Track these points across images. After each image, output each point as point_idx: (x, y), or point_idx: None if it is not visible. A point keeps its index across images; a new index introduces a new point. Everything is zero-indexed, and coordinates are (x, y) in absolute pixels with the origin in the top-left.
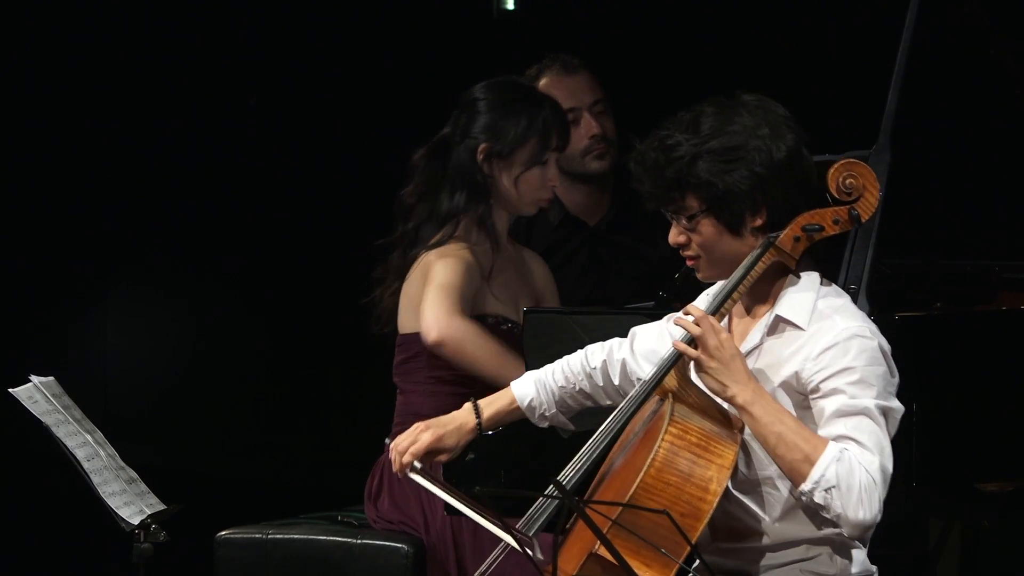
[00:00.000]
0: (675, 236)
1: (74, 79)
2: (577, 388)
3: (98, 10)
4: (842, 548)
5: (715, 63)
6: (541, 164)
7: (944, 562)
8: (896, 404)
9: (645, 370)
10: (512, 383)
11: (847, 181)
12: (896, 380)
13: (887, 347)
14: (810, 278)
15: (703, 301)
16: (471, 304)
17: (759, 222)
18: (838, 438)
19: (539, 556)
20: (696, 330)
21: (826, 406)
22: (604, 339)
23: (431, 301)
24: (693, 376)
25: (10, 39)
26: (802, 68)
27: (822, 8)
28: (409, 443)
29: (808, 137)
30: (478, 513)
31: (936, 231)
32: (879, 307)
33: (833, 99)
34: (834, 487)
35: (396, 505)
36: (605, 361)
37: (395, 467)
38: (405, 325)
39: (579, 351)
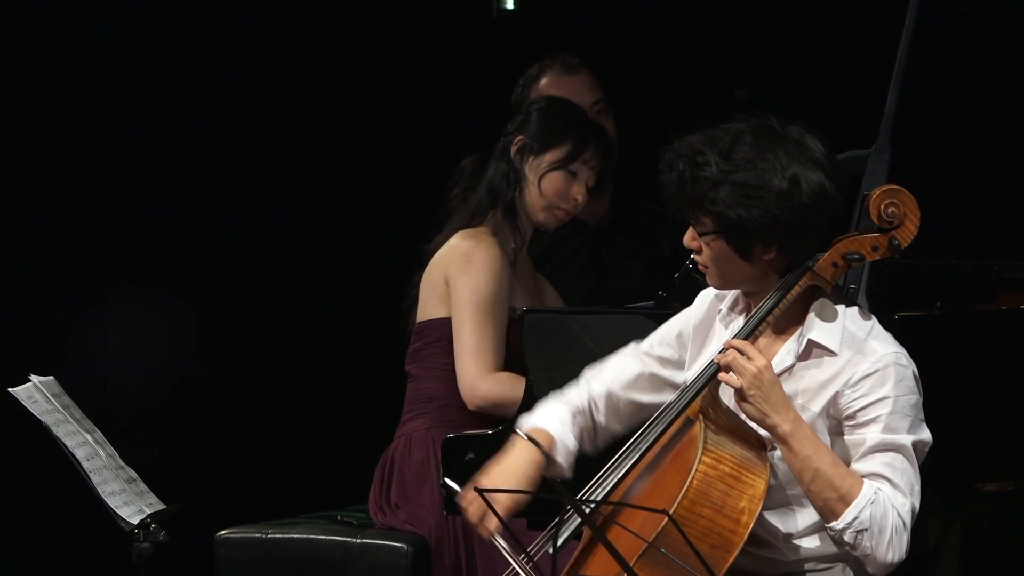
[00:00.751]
0: (689, 240)
1: (75, 79)
2: (590, 424)
3: (99, 10)
4: (858, 561)
5: (715, 63)
6: (569, 172)
7: (944, 562)
8: (927, 435)
9: (633, 396)
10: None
11: (889, 209)
12: (921, 404)
13: (916, 371)
14: (839, 302)
15: (703, 301)
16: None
17: (771, 256)
18: (872, 475)
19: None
20: (740, 359)
21: (862, 438)
22: (604, 339)
23: (465, 361)
24: (722, 394)
25: (11, 39)
26: (802, 68)
27: (822, 8)
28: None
29: (838, 170)
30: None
31: (936, 230)
32: (879, 307)
33: (833, 99)
34: (866, 530)
35: (405, 497)
36: (596, 398)
37: (480, 529)
38: (425, 312)
39: (572, 392)
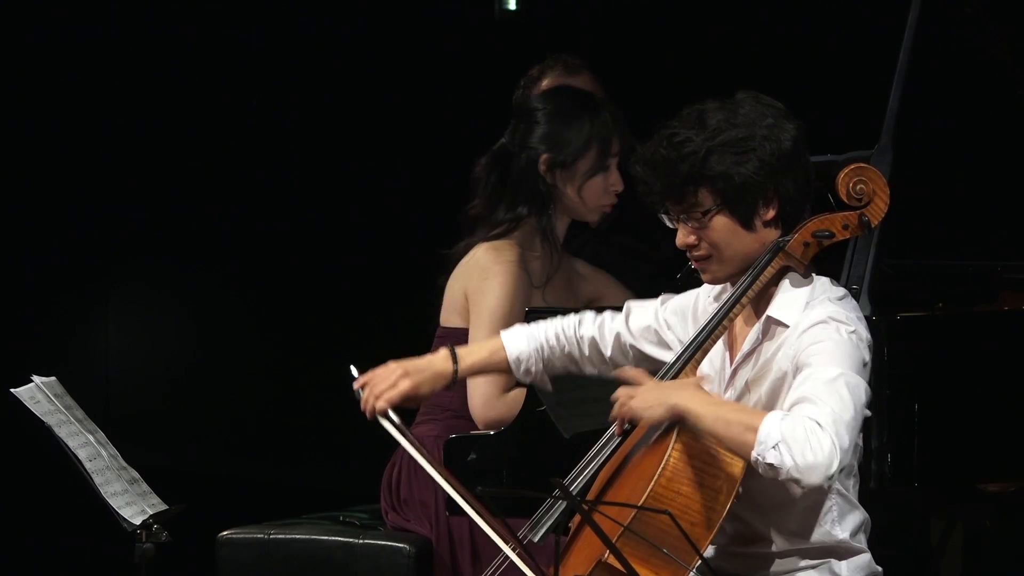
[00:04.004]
0: (683, 238)
1: (77, 80)
2: (567, 351)
3: (101, 10)
4: (848, 554)
5: (717, 63)
6: (604, 171)
7: (946, 563)
8: (864, 383)
9: (641, 345)
10: (503, 334)
11: (857, 187)
12: (868, 369)
13: (866, 336)
14: (808, 280)
15: (705, 302)
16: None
17: (771, 214)
18: (795, 402)
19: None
20: (617, 405)
21: (796, 379)
22: None
23: (478, 382)
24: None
25: (12, 38)
26: (804, 68)
27: (824, 8)
28: (386, 387)
29: (807, 132)
30: (450, 485)
31: (938, 231)
32: (881, 307)
33: (835, 99)
34: (779, 442)
35: (412, 499)
36: (595, 337)
37: (366, 408)
38: (447, 319)
39: (572, 315)
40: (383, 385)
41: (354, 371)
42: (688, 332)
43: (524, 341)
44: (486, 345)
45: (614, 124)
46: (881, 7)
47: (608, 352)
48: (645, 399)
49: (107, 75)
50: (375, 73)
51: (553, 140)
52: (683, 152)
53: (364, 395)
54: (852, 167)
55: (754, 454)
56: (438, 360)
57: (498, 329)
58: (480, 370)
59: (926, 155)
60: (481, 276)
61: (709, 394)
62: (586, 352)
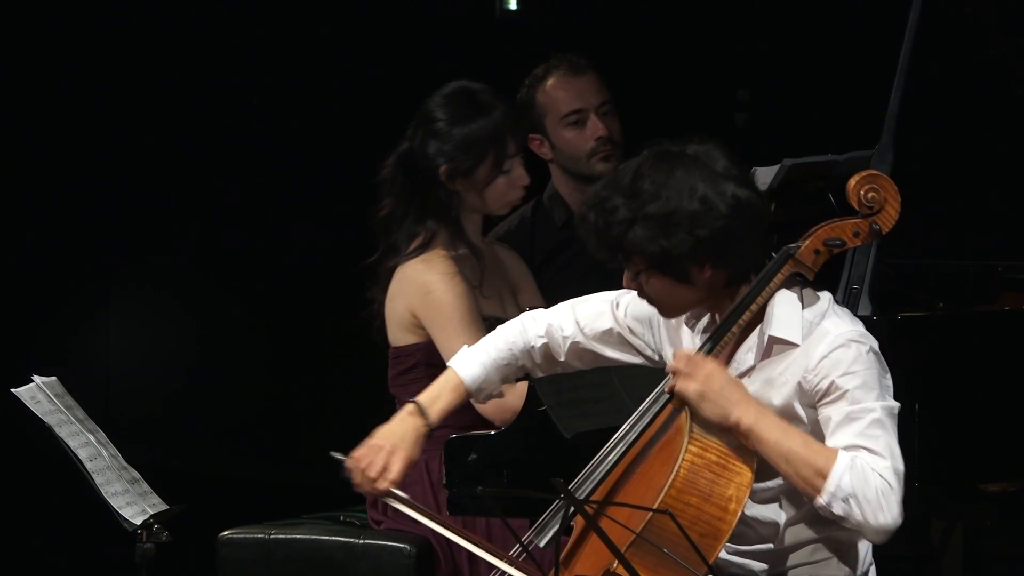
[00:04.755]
0: (628, 282)
1: (78, 79)
2: (519, 363)
3: (103, 9)
4: (848, 548)
5: (720, 63)
6: (503, 173)
7: (947, 563)
8: (894, 403)
9: (599, 349)
10: (453, 363)
11: (869, 194)
12: (889, 378)
13: (877, 346)
14: (793, 291)
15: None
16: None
17: (708, 274)
18: (848, 447)
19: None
20: (685, 367)
21: (832, 414)
22: None
23: None
24: None
25: (13, 37)
26: (805, 68)
27: (825, 8)
28: (381, 469)
29: (750, 177)
30: (460, 536)
31: (938, 231)
32: (881, 307)
33: (836, 99)
34: (851, 496)
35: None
36: (547, 343)
37: (367, 491)
38: (396, 338)
39: (514, 322)
40: (377, 468)
41: (338, 456)
42: (652, 339)
43: (476, 367)
44: (444, 385)
45: (508, 123)
46: (882, 7)
47: (562, 358)
48: (712, 394)
49: (109, 75)
50: (375, 72)
51: (449, 152)
52: (610, 220)
53: (358, 480)
54: (864, 174)
55: (822, 500)
56: (410, 422)
57: (471, 326)
58: (448, 411)
59: (927, 155)
60: (424, 291)
61: (770, 412)
62: (538, 360)
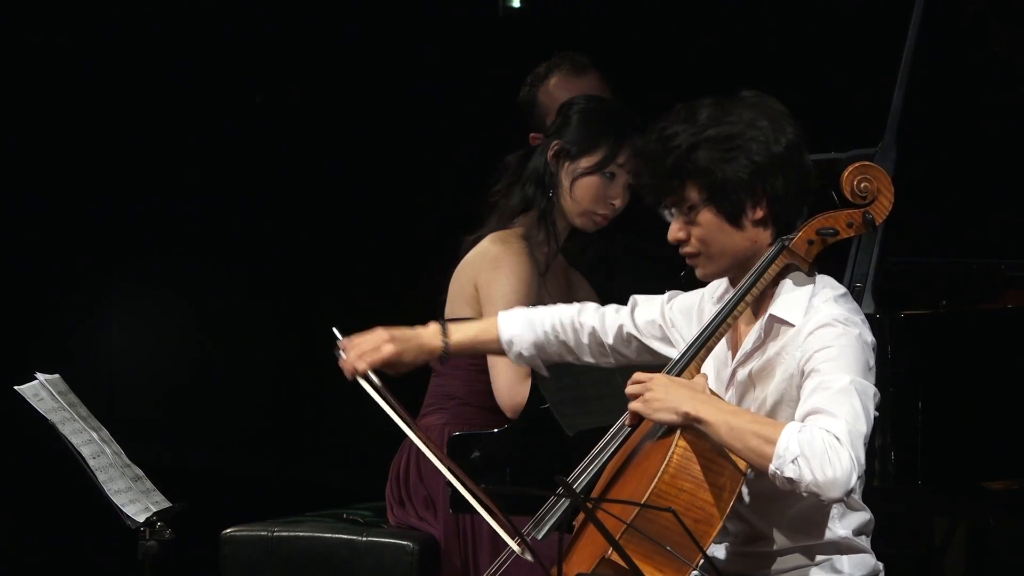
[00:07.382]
0: (675, 232)
1: (79, 77)
2: (563, 338)
3: (104, 9)
4: (849, 551)
5: (722, 61)
6: (605, 176)
7: (950, 561)
8: (872, 387)
9: (644, 338)
10: (500, 314)
11: (862, 184)
12: (874, 373)
13: (870, 339)
14: (810, 278)
15: (708, 302)
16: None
17: (759, 214)
18: (808, 412)
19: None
20: (631, 389)
21: (806, 386)
22: None
23: (502, 368)
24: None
25: (13, 37)
26: (808, 66)
27: (828, 6)
28: (369, 348)
29: (808, 136)
30: (429, 449)
31: (941, 229)
32: (885, 305)
33: (839, 97)
34: (798, 456)
35: (418, 492)
36: (596, 326)
37: (346, 366)
38: (453, 310)
39: (574, 305)
40: (366, 347)
41: (337, 333)
42: (692, 331)
43: (520, 324)
44: (479, 323)
45: (631, 141)
46: (885, 5)
47: (609, 341)
48: (657, 402)
49: (112, 73)
50: (378, 70)
51: (570, 132)
52: (670, 145)
53: (346, 355)
54: (856, 165)
55: (772, 467)
56: (427, 332)
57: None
58: (469, 346)
59: (929, 153)
60: (493, 266)
61: (721, 400)
62: (584, 341)
